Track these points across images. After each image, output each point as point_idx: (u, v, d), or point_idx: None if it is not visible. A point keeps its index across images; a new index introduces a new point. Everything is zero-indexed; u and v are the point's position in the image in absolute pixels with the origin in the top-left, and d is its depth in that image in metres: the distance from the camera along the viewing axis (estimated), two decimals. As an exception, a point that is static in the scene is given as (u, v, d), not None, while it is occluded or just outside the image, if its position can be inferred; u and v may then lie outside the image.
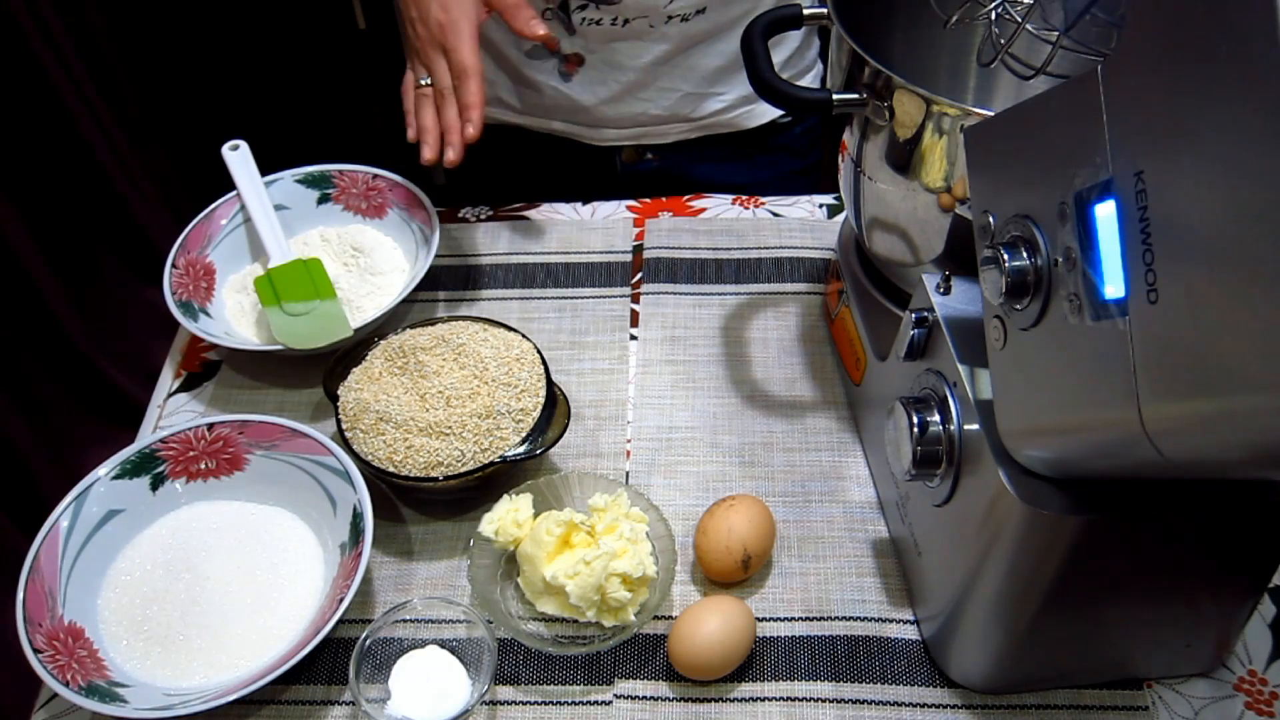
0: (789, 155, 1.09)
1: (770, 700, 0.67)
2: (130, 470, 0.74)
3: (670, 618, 0.70)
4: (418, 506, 0.78)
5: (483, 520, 0.70)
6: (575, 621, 0.69)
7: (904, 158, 0.66)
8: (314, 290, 0.86)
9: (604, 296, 0.92)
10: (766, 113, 1.04)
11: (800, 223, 0.97)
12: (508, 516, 0.70)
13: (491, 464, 0.72)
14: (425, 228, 0.91)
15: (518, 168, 1.08)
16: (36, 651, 0.64)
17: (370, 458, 0.72)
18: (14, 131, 1.45)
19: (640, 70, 0.97)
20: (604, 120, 1.02)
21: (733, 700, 0.67)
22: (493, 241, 0.97)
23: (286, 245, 0.91)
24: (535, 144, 1.05)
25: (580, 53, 0.96)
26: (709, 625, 0.65)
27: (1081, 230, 0.44)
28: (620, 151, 1.05)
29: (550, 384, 0.76)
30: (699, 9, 0.93)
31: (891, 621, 0.70)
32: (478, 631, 0.67)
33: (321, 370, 0.80)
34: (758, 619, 0.69)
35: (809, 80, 1.06)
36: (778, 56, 1.01)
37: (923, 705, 0.66)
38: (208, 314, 0.88)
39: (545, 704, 0.67)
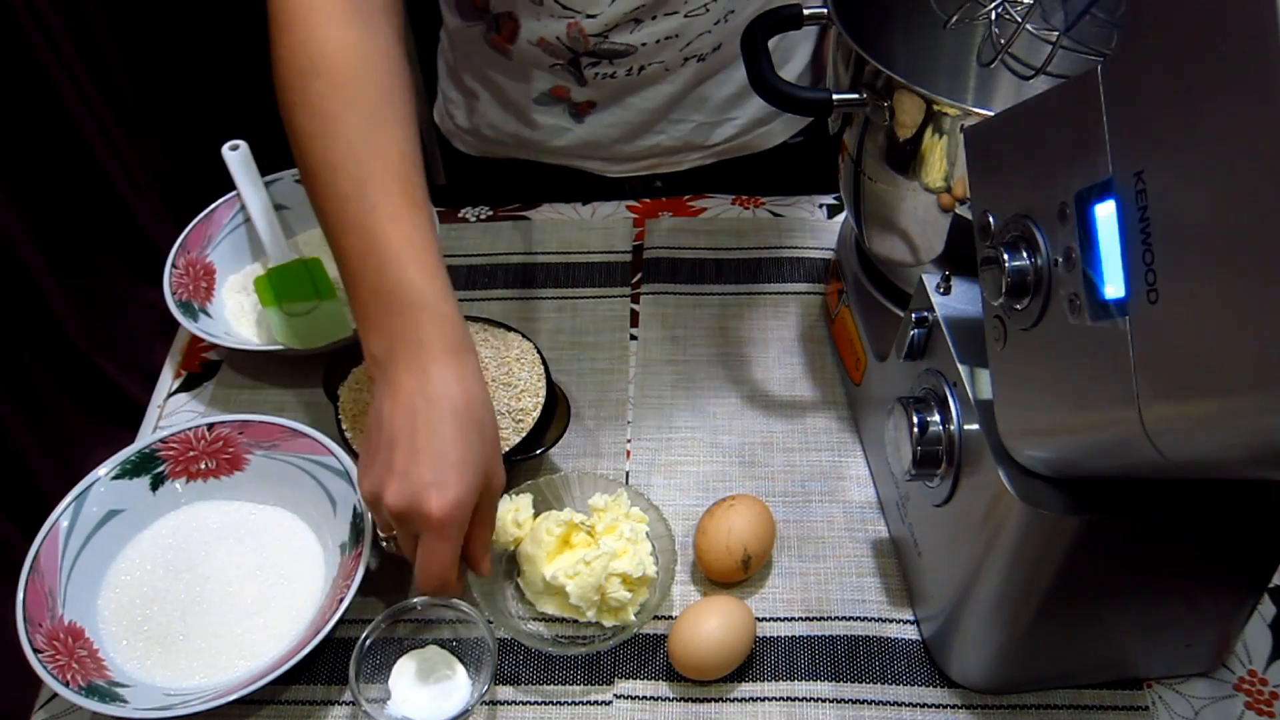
0: (800, 174, 1.06)
1: (770, 700, 0.67)
2: (130, 470, 0.74)
3: (670, 618, 0.70)
4: (418, 506, 0.78)
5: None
6: (575, 621, 0.69)
7: (904, 158, 0.66)
8: (314, 290, 0.86)
9: (604, 296, 0.92)
10: (779, 134, 1.03)
11: (800, 223, 0.97)
12: (507, 516, 0.70)
13: (491, 464, 0.72)
14: (425, 228, 0.91)
15: (522, 191, 1.06)
16: (36, 651, 0.64)
17: (370, 458, 0.72)
18: (14, 132, 1.45)
19: (653, 109, 0.96)
20: (617, 155, 1.00)
21: (733, 700, 0.67)
22: (493, 241, 0.97)
23: (286, 245, 0.91)
24: (542, 173, 1.03)
25: (591, 99, 0.95)
26: (709, 625, 0.65)
27: (1081, 230, 0.44)
28: (629, 181, 1.04)
29: (550, 384, 0.76)
30: (714, 46, 0.91)
31: (891, 621, 0.70)
32: (478, 631, 0.67)
33: (321, 370, 0.80)
34: (758, 619, 0.69)
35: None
36: (788, 74, 0.99)
37: (923, 705, 0.66)
38: (208, 314, 0.88)
39: (545, 704, 0.67)
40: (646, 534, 0.70)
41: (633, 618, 0.67)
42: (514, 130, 1.00)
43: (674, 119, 0.97)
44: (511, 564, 0.72)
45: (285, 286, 0.86)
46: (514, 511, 0.70)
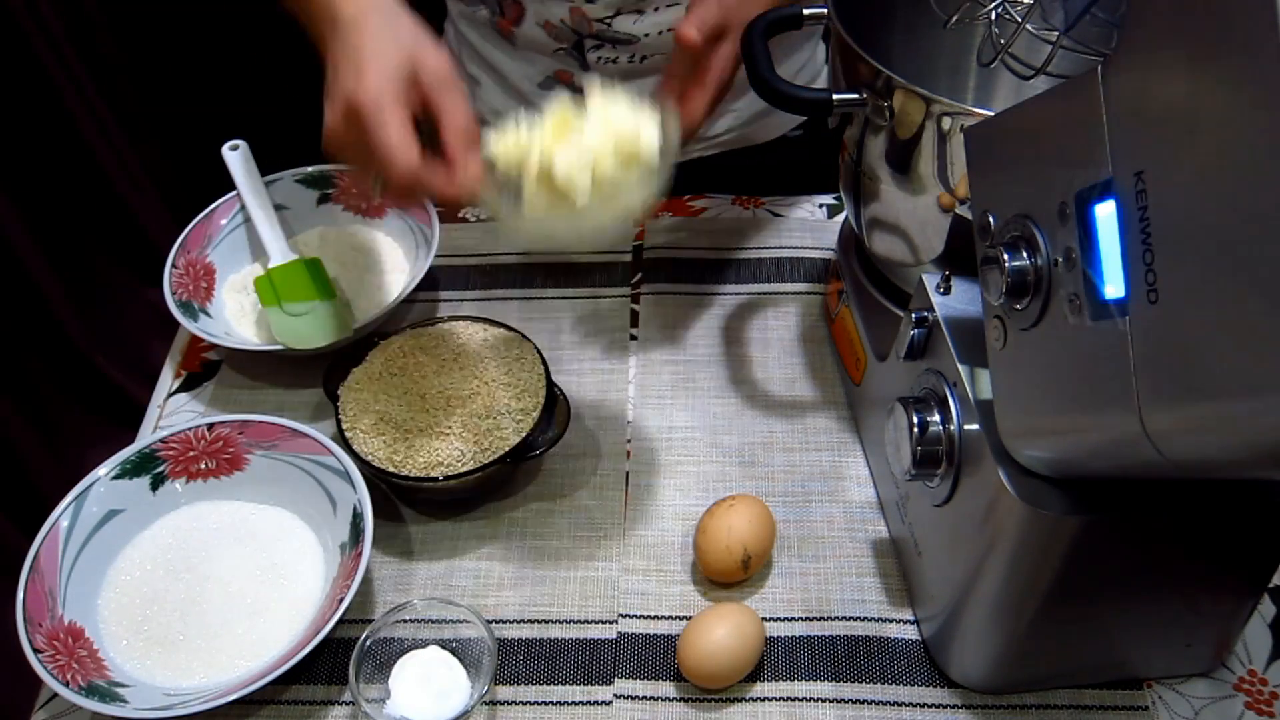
0: (798, 167, 1.07)
1: (771, 700, 0.67)
2: (130, 470, 0.74)
3: (671, 618, 0.70)
4: (418, 506, 0.78)
5: (490, 140, 0.63)
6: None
7: (904, 158, 0.66)
8: (314, 290, 0.86)
9: (604, 296, 0.92)
10: (778, 126, 1.03)
11: (800, 223, 0.97)
12: (520, 128, 0.62)
13: (491, 464, 0.72)
14: (425, 228, 0.91)
15: None
16: (36, 651, 0.64)
17: (370, 458, 0.72)
18: (14, 132, 1.45)
19: (652, 98, 0.96)
20: None
21: (733, 700, 0.67)
22: (493, 241, 0.97)
23: (286, 245, 0.91)
24: None
25: None
26: (719, 633, 0.65)
27: (1081, 230, 0.44)
28: None
29: (550, 384, 0.76)
30: None
31: (891, 621, 0.70)
32: (478, 631, 0.67)
33: (321, 370, 0.80)
34: (758, 619, 0.69)
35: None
36: (786, 71, 1.00)
37: (923, 705, 0.66)
38: (208, 314, 0.88)
39: (545, 704, 0.67)
40: (658, 134, 0.62)
41: (634, 203, 0.61)
42: (520, 112, 1.00)
43: (673, 109, 0.97)
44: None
45: (285, 286, 0.86)
46: (527, 126, 0.63)
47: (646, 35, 0.89)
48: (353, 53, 0.62)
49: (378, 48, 0.61)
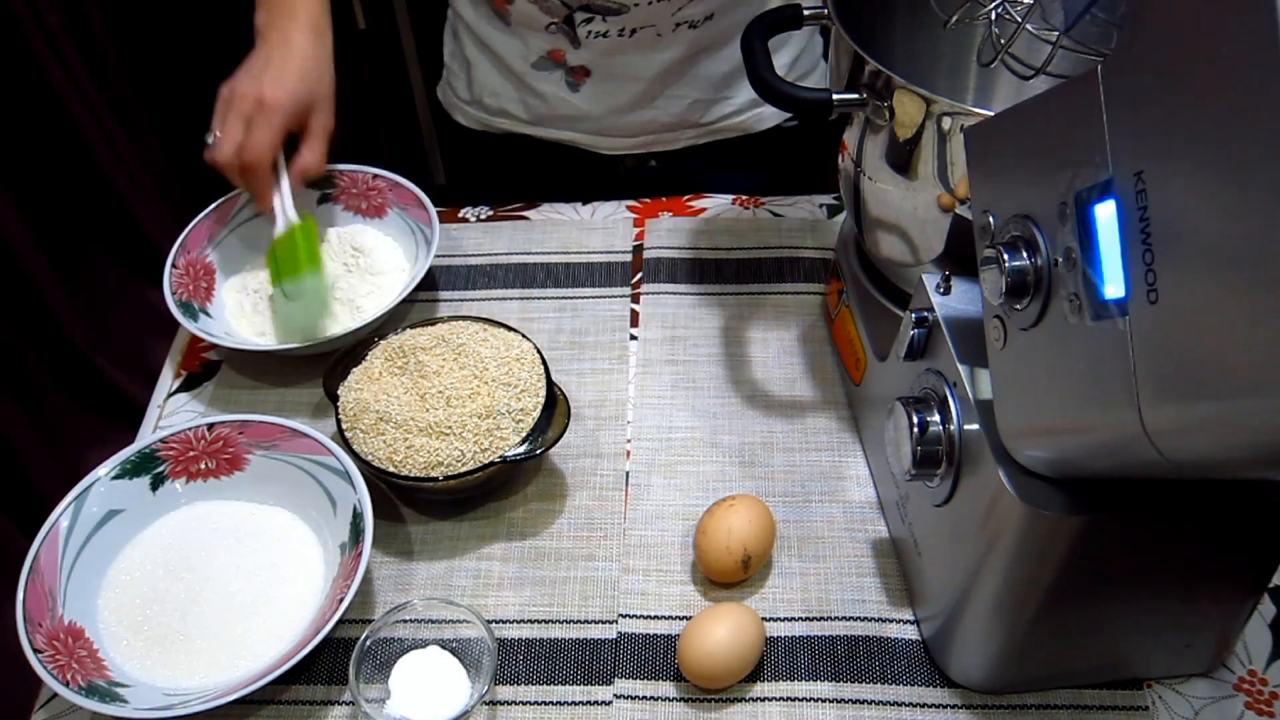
0: (794, 159, 1.08)
1: (771, 700, 0.67)
2: (130, 470, 0.74)
3: (671, 618, 0.70)
4: (418, 506, 0.78)
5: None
6: None
7: (904, 158, 0.66)
8: (303, 260, 0.84)
9: (604, 296, 0.92)
10: (774, 116, 1.04)
11: (800, 223, 0.97)
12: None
13: (491, 464, 0.72)
14: (425, 228, 0.91)
15: (520, 171, 1.09)
16: (36, 651, 0.64)
17: (370, 458, 0.72)
18: (14, 131, 1.45)
19: (648, 80, 0.96)
20: (612, 129, 1.01)
21: (733, 700, 0.67)
22: (493, 241, 0.97)
23: (290, 210, 0.88)
24: (540, 150, 1.05)
25: (586, 65, 0.96)
26: (719, 634, 0.65)
27: (1081, 230, 0.44)
28: (623, 159, 1.05)
29: (550, 384, 0.76)
30: (707, 15, 0.92)
31: (891, 621, 0.70)
32: (478, 631, 0.67)
33: (321, 370, 0.80)
34: (758, 619, 0.69)
35: (814, 80, 1.05)
36: (785, 57, 1.01)
37: (923, 705, 0.66)
38: (208, 314, 0.88)
39: (545, 704, 0.67)
40: None
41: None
42: (513, 97, 1.02)
43: (670, 94, 0.98)
44: None
45: (284, 261, 0.85)
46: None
47: (636, 4, 0.89)
48: (285, 69, 0.83)
49: (302, 80, 0.84)
